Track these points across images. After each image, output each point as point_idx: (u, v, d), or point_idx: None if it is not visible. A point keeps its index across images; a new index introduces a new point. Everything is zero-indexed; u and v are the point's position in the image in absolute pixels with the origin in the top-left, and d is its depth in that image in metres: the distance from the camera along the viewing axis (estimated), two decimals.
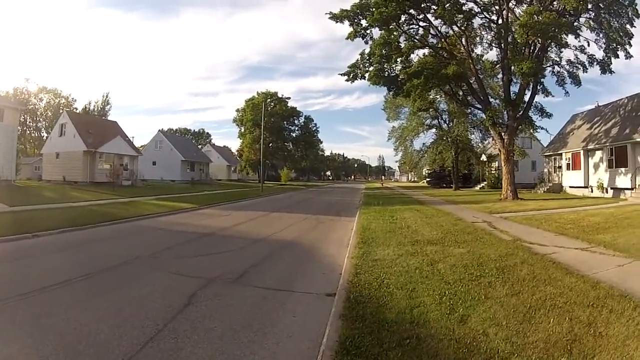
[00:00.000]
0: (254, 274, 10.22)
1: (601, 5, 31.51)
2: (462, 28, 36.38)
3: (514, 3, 35.24)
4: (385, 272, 9.50)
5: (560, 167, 45.26)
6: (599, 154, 37.36)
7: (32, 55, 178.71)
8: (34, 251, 13.00)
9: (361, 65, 38.75)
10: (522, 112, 35.98)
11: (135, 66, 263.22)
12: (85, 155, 51.48)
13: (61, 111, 75.23)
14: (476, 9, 35.79)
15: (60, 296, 8.12)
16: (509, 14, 34.72)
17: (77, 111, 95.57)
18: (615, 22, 32.44)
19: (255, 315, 7.19)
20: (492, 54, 47.18)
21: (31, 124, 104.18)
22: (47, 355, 5.49)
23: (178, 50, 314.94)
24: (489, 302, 7.18)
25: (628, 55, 33.34)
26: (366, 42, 38.03)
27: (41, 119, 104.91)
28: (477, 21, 37.13)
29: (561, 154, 44.50)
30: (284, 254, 13.40)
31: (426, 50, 39.73)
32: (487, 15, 36.49)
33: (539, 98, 36.97)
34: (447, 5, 33.42)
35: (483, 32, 38.60)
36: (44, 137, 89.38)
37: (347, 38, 37.79)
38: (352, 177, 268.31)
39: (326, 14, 37.11)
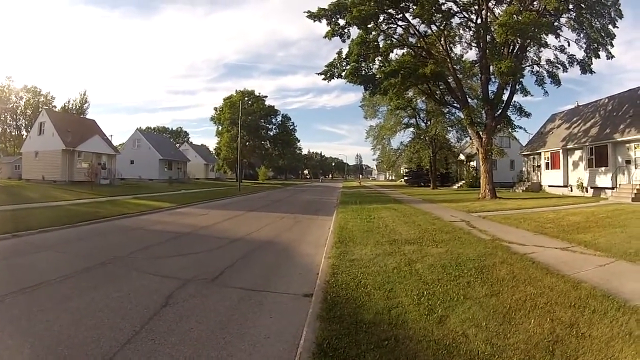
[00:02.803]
0: (231, 274, 10.14)
1: (583, 5, 31.67)
2: (441, 27, 36.41)
3: (494, 3, 35.29)
4: (362, 272, 9.46)
5: (539, 166, 45.59)
6: (578, 153, 37.67)
7: (11, 53, 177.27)
8: (13, 252, 12.86)
9: (338, 64, 38.60)
10: (500, 111, 36.10)
11: (114, 64, 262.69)
12: (64, 154, 51.46)
13: (40, 110, 74.86)
14: (455, 9, 35.86)
15: (39, 298, 8.00)
16: (489, 14, 34.77)
17: (57, 109, 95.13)
18: (597, 23, 32.64)
19: (232, 316, 7.14)
20: (471, 54, 47.50)
21: (11, 122, 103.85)
22: (28, 359, 5.48)
23: (157, 48, 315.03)
24: (468, 302, 7.15)
25: (609, 56, 33.62)
26: (344, 41, 37.94)
27: (21, 118, 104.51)
28: (455, 20, 37.23)
29: (540, 153, 44.83)
30: (261, 253, 13.30)
31: (405, 50, 39.73)
32: (466, 15, 36.59)
33: (517, 97, 37.18)
34: (426, 5, 33.38)
35: (462, 32, 38.74)
36: (24, 136, 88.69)
37: (325, 37, 37.52)
38: (330, 175, 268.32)
39: (304, 12, 37.05)
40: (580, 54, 34.85)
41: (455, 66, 38.99)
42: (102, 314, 7.06)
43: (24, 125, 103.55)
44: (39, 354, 5.57)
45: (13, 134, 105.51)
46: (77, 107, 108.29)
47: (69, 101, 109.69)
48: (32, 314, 7.01)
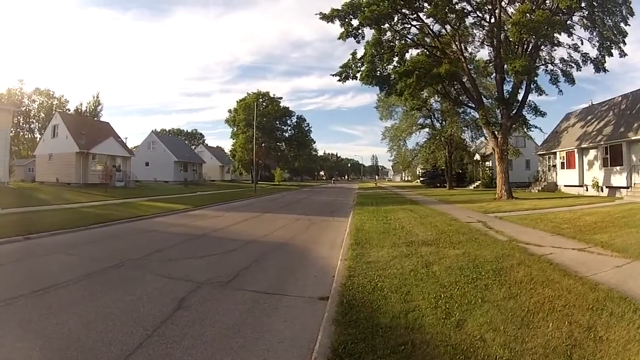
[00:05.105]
0: (245, 276, 10.09)
1: (595, 3, 31.53)
2: (455, 27, 36.28)
3: (507, 2, 35.33)
4: (379, 274, 9.36)
5: (554, 165, 45.37)
6: (593, 152, 37.42)
7: (24, 56, 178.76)
8: (25, 254, 12.89)
9: (353, 66, 38.56)
10: (515, 110, 35.98)
11: (128, 66, 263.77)
12: (77, 156, 51.55)
13: (54, 112, 75.10)
14: (469, 8, 35.82)
15: (50, 300, 7.96)
16: (502, 13, 34.64)
17: (70, 112, 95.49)
18: (609, 21, 32.48)
19: (246, 320, 7.07)
20: (485, 53, 47.46)
21: (24, 125, 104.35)
22: None
23: (171, 51, 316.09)
24: (486, 305, 7.05)
25: (622, 54, 33.42)
26: (358, 42, 37.92)
27: (34, 121, 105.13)
28: (469, 20, 37.15)
29: (555, 153, 44.63)
30: (276, 256, 13.27)
31: (419, 49, 39.61)
32: (480, 14, 36.52)
33: (532, 97, 37.14)
34: (440, 4, 33.23)
35: (475, 31, 38.63)
36: (37, 139, 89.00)
37: (339, 38, 37.53)
38: (346, 176, 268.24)
39: (316, 14, 37.06)
40: (593, 53, 34.70)
41: (469, 66, 38.87)
42: (114, 317, 7.01)
43: (37, 128, 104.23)
44: (48, 357, 5.55)
45: (26, 136, 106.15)
46: (91, 109, 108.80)
47: (81, 104, 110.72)
48: (43, 317, 6.99)
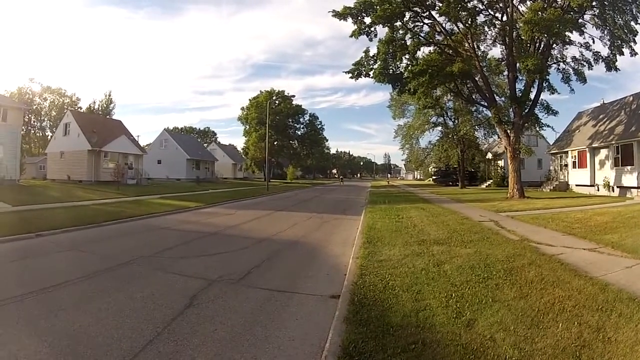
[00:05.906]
0: (257, 274, 10.12)
1: (606, 2, 31.38)
2: (467, 25, 36.19)
3: (518, 0, 35.11)
4: (390, 273, 9.38)
5: (566, 165, 45.13)
6: (604, 152, 37.25)
7: (36, 55, 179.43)
8: (36, 251, 12.92)
9: (365, 63, 38.52)
10: (527, 109, 35.85)
11: (140, 65, 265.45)
12: (89, 154, 51.79)
13: (65, 110, 75.28)
14: (480, 6, 35.76)
15: (60, 297, 8.03)
16: (514, 11, 34.54)
17: (82, 110, 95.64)
18: (620, 19, 32.32)
19: (257, 318, 7.10)
20: (497, 52, 47.29)
21: (36, 123, 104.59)
22: (46, 358, 5.49)
23: (183, 49, 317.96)
24: (497, 305, 7.05)
25: (633, 53, 33.21)
26: (371, 40, 37.79)
27: (45, 119, 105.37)
28: (480, 18, 37.01)
29: (567, 152, 44.39)
30: (288, 254, 13.29)
31: (431, 48, 39.52)
32: (492, 13, 36.45)
33: (544, 95, 37.09)
34: (452, 2, 33.11)
35: (487, 29, 38.48)
36: (49, 137, 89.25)
37: (351, 36, 37.45)
38: (359, 175, 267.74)
39: (329, 12, 37.05)
40: (604, 51, 34.50)
41: (481, 64, 38.74)
42: (124, 315, 7.07)
43: (48, 126, 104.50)
44: (58, 353, 5.60)
45: (37, 134, 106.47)
46: (103, 107, 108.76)
47: (94, 102, 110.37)
48: (53, 314, 7.05)
